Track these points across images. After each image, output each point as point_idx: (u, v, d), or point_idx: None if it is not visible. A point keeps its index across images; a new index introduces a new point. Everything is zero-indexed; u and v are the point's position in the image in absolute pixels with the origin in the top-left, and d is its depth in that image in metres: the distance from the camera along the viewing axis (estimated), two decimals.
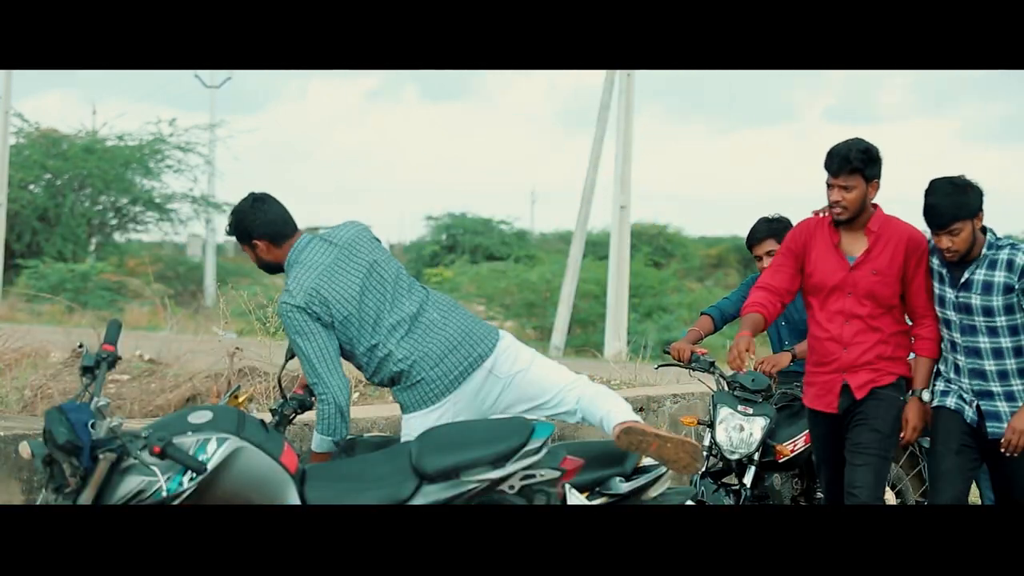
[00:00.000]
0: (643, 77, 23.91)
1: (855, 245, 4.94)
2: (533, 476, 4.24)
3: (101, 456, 3.85)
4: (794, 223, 6.28)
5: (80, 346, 4.50)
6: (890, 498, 6.06)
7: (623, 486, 4.60)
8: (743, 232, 6.17)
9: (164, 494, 3.86)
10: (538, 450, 4.25)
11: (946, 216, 4.66)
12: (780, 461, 5.87)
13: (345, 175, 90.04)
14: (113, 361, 4.09)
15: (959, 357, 4.86)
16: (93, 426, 3.87)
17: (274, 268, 4.73)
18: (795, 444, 5.84)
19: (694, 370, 5.90)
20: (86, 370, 4.06)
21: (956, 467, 4.82)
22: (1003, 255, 4.74)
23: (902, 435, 4.94)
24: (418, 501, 4.15)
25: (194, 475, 3.89)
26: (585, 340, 20.92)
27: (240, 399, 4.77)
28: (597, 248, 28.45)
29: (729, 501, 5.73)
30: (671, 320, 24.72)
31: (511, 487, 4.22)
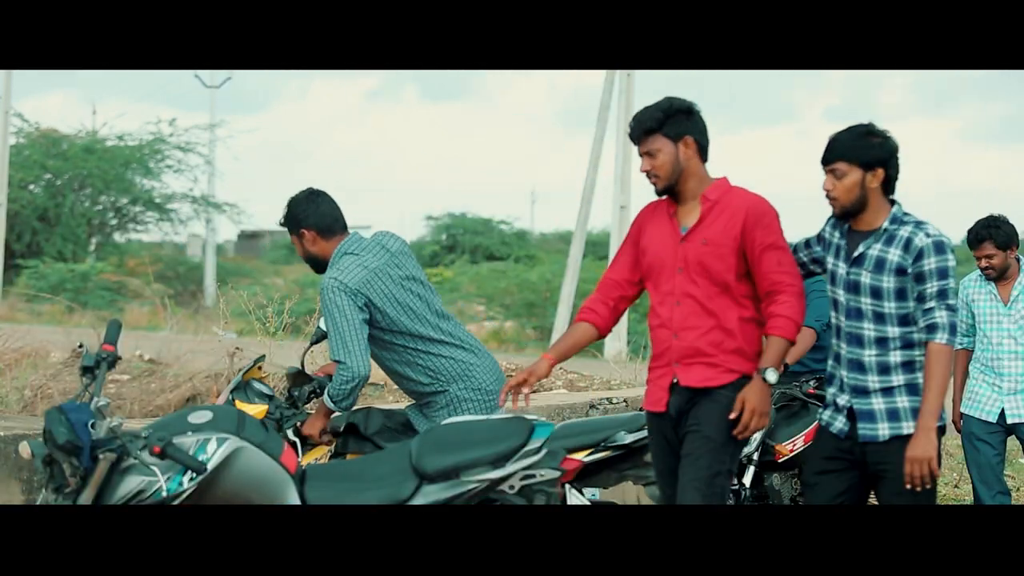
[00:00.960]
0: (643, 77, 23.94)
1: (691, 216, 4.25)
2: (533, 476, 4.25)
3: (101, 456, 3.85)
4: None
5: (80, 346, 4.50)
6: None
7: (627, 437, 4.55)
8: None
9: (164, 494, 3.87)
10: (538, 450, 4.26)
11: (834, 151, 4.13)
12: (779, 461, 5.89)
13: (345, 175, 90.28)
14: (113, 361, 4.09)
15: (841, 344, 4.22)
16: (93, 426, 3.87)
17: (317, 261, 4.86)
18: (794, 444, 5.85)
19: None
20: (86, 370, 4.06)
21: (819, 485, 4.20)
22: (903, 232, 4.11)
23: (737, 428, 4.11)
24: (418, 501, 4.16)
25: (194, 475, 3.89)
26: None
27: (264, 375, 4.93)
28: (597, 248, 28.47)
29: (729, 501, 5.73)
30: None
31: (511, 487, 4.23)
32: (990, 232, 6.00)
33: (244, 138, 66.10)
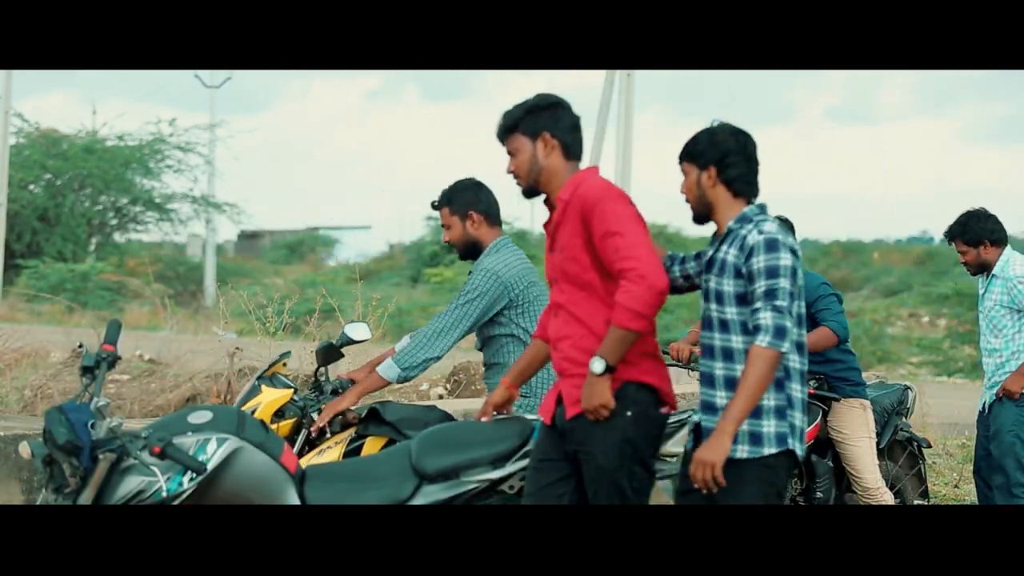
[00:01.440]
0: (643, 77, 23.95)
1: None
2: None
3: (101, 456, 3.85)
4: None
5: (80, 346, 4.51)
6: (890, 499, 6.06)
7: None
8: None
9: (164, 494, 3.87)
10: None
11: (681, 153, 3.92)
12: None
13: (345, 175, 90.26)
14: (113, 361, 4.09)
15: (701, 359, 3.93)
16: (93, 426, 3.87)
17: (472, 246, 5.03)
18: None
19: (692, 370, 5.94)
20: (86, 370, 4.06)
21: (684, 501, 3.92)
22: (744, 231, 3.81)
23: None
24: (418, 501, 4.16)
25: (194, 475, 3.89)
26: None
27: (288, 373, 5.02)
28: None
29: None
30: (671, 320, 24.69)
31: (511, 487, 4.22)
32: (959, 229, 6.06)
33: (244, 138, 66.01)
